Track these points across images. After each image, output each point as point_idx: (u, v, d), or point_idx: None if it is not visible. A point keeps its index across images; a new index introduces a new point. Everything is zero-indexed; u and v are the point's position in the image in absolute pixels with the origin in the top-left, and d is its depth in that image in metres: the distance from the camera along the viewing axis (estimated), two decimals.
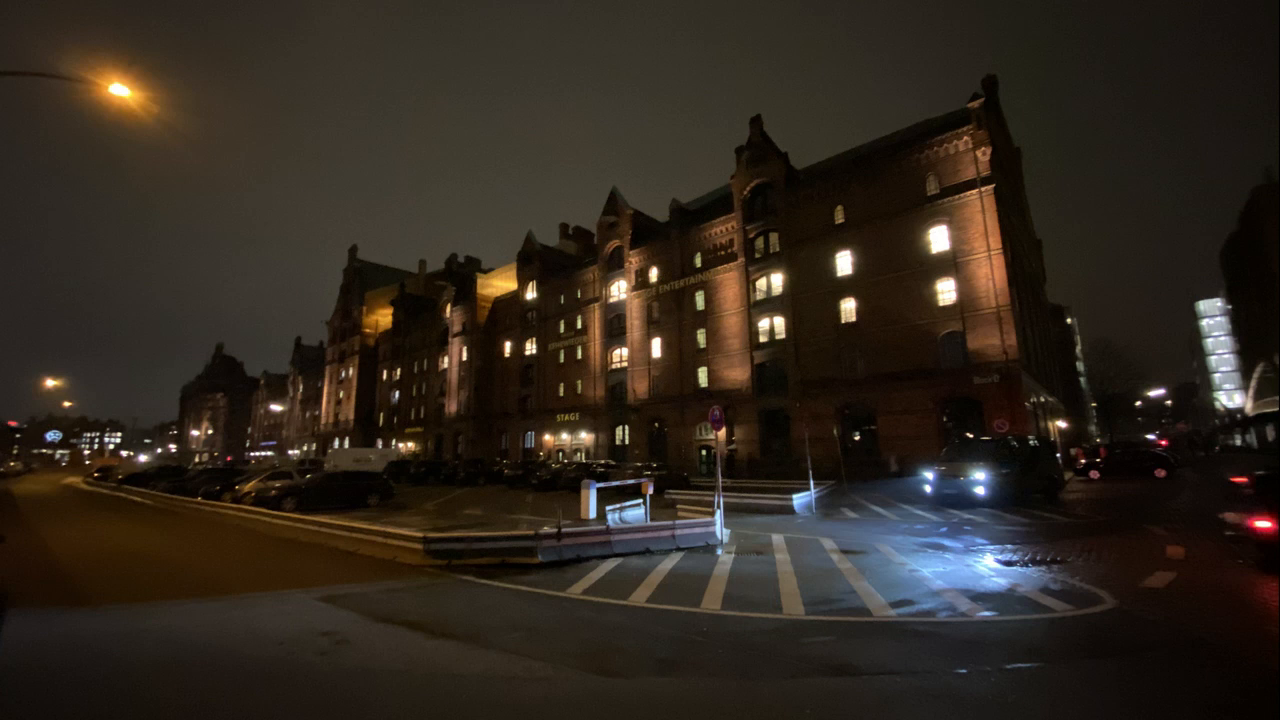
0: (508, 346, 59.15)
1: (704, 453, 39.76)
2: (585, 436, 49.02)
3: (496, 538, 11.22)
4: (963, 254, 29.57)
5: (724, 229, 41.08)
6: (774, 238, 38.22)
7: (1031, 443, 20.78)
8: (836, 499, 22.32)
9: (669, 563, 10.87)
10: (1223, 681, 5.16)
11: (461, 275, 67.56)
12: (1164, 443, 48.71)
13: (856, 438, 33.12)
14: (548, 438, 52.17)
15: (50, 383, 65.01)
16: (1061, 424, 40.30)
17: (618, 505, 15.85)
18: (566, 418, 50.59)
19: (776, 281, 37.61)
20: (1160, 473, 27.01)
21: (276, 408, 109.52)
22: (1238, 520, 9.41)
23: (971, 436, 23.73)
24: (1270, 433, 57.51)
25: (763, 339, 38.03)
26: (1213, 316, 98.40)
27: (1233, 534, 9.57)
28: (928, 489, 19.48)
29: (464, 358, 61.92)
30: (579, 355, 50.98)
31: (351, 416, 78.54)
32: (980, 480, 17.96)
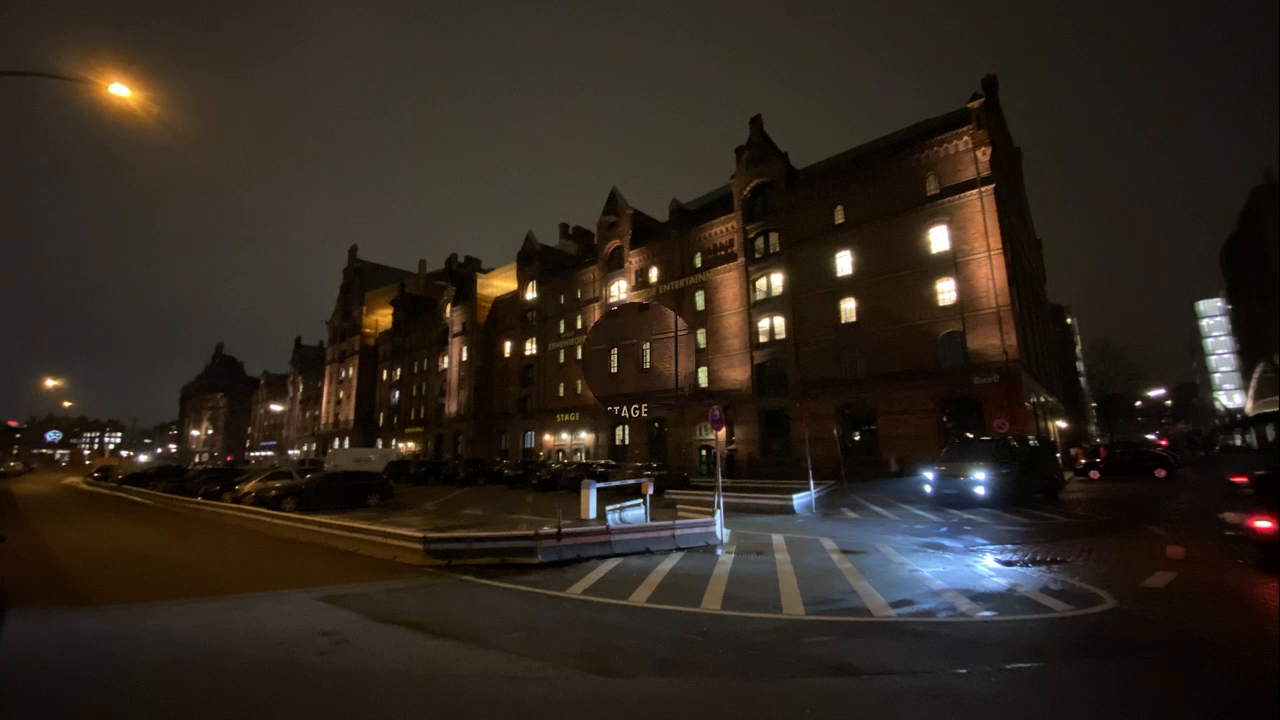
0: (508, 346, 59.14)
1: (704, 453, 39.75)
2: (585, 436, 49.00)
3: (496, 538, 11.22)
4: (963, 254, 29.57)
5: (724, 229, 41.07)
6: (774, 238, 38.21)
7: (1031, 443, 20.78)
8: (836, 499, 22.31)
9: (669, 563, 10.87)
10: (1223, 681, 5.16)
11: (461, 275, 67.58)
12: (1164, 443, 48.69)
13: (856, 438, 33.11)
14: (548, 438, 52.16)
15: (50, 383, 65.02)
16: (1061, 424, 40.30)
17: (618, 505, 15.84)
18: (566, 418, 50.57)
19: (776, 281, 37.60)
20: (1160, 473, 27.00)
21: (276, 408, 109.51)
22: (1238, 520, 9.41)
23: (971, 436, 23.73)
24: (1270, 433, 57.51)
25: (763, 339, 38.02)
26: (1213, 316, 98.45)
27: (1233, 534, 9.57)
28: (928, 489, 19.47)
29: (464, 358, 61.92)
30: (579, 355, 51.00)
31: (351, 416, 78.53)
32: (980, 480, 17.96)
